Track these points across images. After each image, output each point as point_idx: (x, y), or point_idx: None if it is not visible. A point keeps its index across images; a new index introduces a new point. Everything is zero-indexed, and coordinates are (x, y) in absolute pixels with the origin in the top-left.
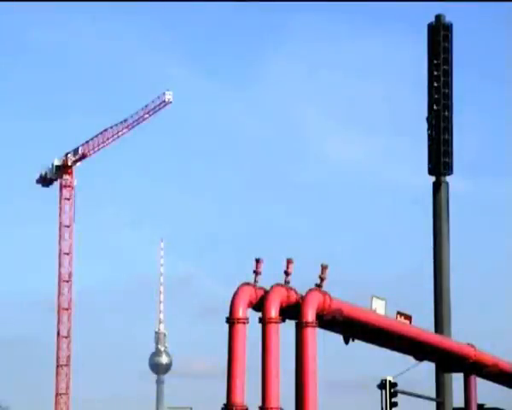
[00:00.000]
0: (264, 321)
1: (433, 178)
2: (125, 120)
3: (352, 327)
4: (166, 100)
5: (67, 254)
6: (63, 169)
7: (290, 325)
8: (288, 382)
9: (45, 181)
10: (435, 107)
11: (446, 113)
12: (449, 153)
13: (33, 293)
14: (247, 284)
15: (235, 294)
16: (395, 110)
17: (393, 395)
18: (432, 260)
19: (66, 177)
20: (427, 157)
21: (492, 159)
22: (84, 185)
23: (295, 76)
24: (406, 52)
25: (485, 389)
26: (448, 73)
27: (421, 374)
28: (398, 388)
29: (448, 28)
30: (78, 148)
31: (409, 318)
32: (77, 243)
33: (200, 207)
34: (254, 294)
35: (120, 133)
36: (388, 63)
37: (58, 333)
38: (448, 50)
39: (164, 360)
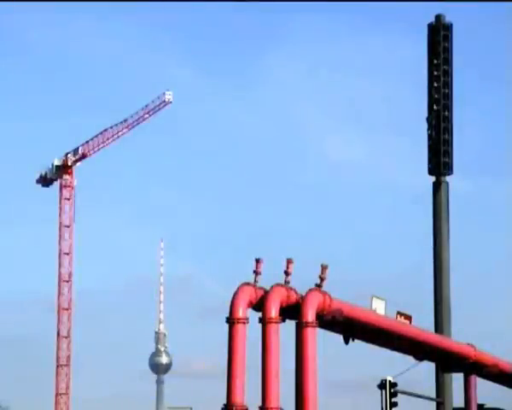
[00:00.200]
0: (264, 321)
1: (433, 178)
2: (125, 120)
3: (352, 327)
4: (166, 100)
5: (67, 254)
6: (63, 169)
7: (290, 325)
8: (288, 382)
9: (45, 181)
10: (435, 107)
11: (446, 113)
12: (449, 153)
13: (33, 293)
14: (247, 284)
15: (235, 294)
16: (395, 110)
17: (393, 395)
18: (432, 260)
19: (66, 177)
20: (427, 157)
21: (492, 159)
22: (84, 185)
23: (295, 76)
24: (406, 52)
25: (485, 389)
26: (448, 73)
27: (421, 374)
28: (398, 388)
29: (448, 28)
30: (78, 148)
31: (409, 318)
32: (77, 243)
33: (200, 207)
34: (254, 294)
35: (120, 133)
36: (388, 63)
37: (58, 333)
38: (448, 50)
39: (164, 360)
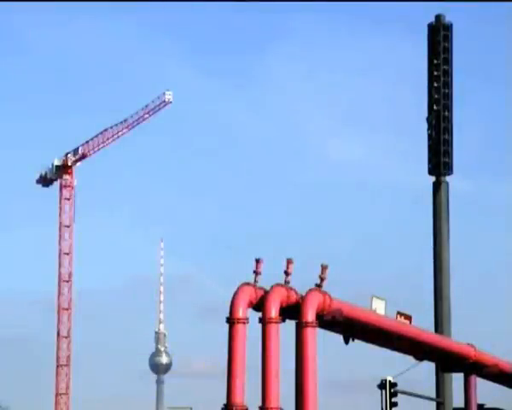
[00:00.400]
0: (264, 321)
1: (433, 178)
2: (125, 120)
3: (352, 327)
4: (166, 100)
5: (67, 254)
6: (63, 169)
7: (290, 325)
8: (288, 382)
9: (45, 181)
10: (435, 107)
11: (446, 113)
12: (449, 153)
13: (33, 293)
14: (247, 284)
15: (235, 294)
16: (395, 110)
17: (393, 395)
18: (432, 260)
19: (66, 177)
20: (427, 157)
21: (492, 159)
22: (84, 185)
23: (295, 76)
24: (406, 52)
25: (485, 389)
26: (448, 73)
27: (421, 374)
28: (398, 388)
29: (448, 28)
30: (78, 148)
31: (409, 318)
32: (77, 243)
33: (200, 207)
34: (254, 294)
35: (120, 133)
36: (388, 63)
37: (58, 333)
38: (448, 50)
39: (164, 360)
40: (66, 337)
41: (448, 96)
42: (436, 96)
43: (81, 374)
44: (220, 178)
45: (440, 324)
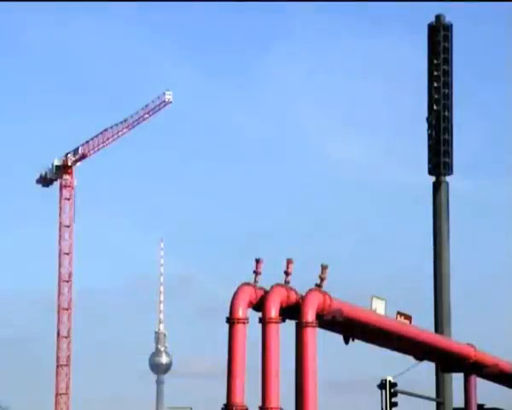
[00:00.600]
0: (264, 321)
1: (433, 178)
2: (125, 120)
3: (352, 327)
4: (166, 100)
5: (67, 254)
6: (63, 169)
7: (290, 325)
8: (288, 382)
9: (45, 181)
10: (435, 107)
11: (446, 113)
12: (449, 153)
13: (33, 293)
14: (247, 284)
15: (235, 294)
16: (395, 110)
17: (393, 395)
18: (432, 260)
19: (66, 177)
20: (427, 157)
21: (492, 159)
22: (84, 185)
23: (295, 76)
24: (406, 52)
25: (485, 389)
26: (448, 73)
27: (421, 374)
28: (398, 388)
29: (448, 28)
30: (78, 148)
31: (409, 318)
32: (77, 243)
33: (200, 207)
34: (254, 294)
35: (120, 133)
36: (388, 63)
37: (58, 333)
38: (448, 50)
39: (164, 360)
40: (66, 337)
41: (448, 96)
42: (436, 96)
43: (81, 374)
44: (220, 179)
45: (440, 324)
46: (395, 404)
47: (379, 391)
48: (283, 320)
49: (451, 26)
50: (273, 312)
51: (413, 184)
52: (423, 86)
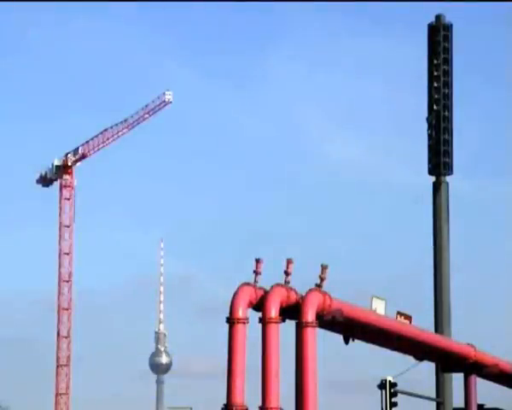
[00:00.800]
0: (264, 321)
1: (433, 178)
2: (125, 120)
3: (352, 327)
4: (166, 100)
5: (67, 254)
6: (63, 169)
7: (290, 325)
8: (288, 382)
9: (45, 181)
10: (435, 107)
11: (446, 113)
12: (449, 153)
13: (33, 293)
14: (247, 284)
15: (235, 294)
16: (395, 110)
17: (393, 395)
18: (432, 260)
19: (66, 177)
20: (427, 157)
21: (492, 159)
22: (84, 185)
23: (295, 76)
24: (406, 52)
25: (485, 389)
26: (448, 73)
27: (421, 374)
28: (398, 388)
29: (448, 28)
30: (78, 148)
31: (409, 318)
32: (77, 243)
33: (200, 207)
34: (254, 294)
35: (120, 133)
36: (388, 63)
37: (58, 333)
38: (448, 50)
39: (164, 360)
40: (66, 337)
41: (448, 96)
42: (436, 96)
43: (81, 374)
44: (220, 178)
45: (440, 324)
46: (395, 404)
47: (379, 391)
48: (283, 320)
49: (451, 26)
50: (273, 312)
51: (413, 184)
52: (423, 86)
